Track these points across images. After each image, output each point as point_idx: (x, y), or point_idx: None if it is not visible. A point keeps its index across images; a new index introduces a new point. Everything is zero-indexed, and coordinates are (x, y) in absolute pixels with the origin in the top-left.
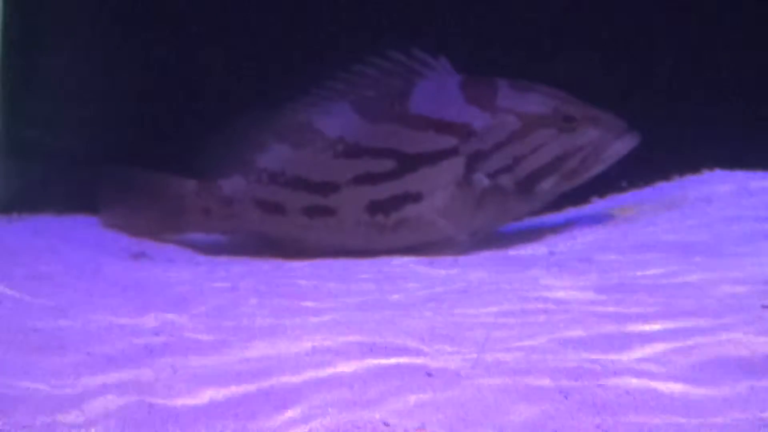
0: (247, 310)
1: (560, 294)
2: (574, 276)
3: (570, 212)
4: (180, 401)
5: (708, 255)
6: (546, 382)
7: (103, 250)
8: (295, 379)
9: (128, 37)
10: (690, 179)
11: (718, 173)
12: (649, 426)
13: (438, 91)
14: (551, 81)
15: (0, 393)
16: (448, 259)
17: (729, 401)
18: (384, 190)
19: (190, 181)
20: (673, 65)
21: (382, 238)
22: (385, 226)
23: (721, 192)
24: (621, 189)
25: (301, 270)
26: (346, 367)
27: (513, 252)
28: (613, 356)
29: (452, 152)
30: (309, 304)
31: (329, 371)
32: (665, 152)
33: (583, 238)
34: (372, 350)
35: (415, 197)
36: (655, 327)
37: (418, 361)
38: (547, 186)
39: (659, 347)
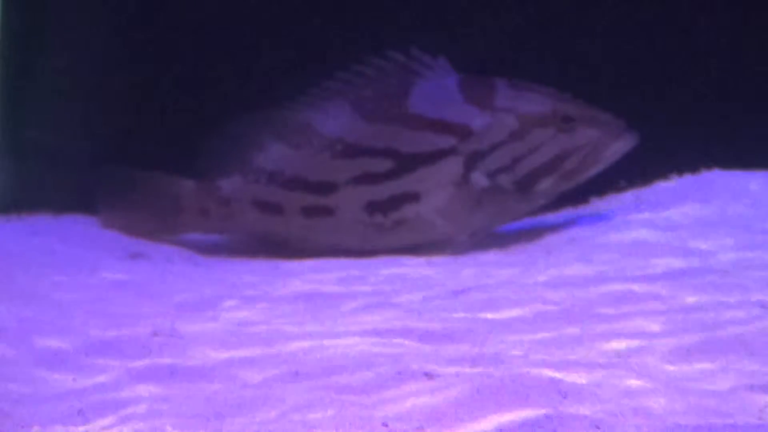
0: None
1: (559, 294)
2: (573, 276)
3: (568, 212)
4: None
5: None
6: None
7: (102, 250)
8: None
9: (128, 37)
10: (688, 179)
11: (717, 173)
12: None
13: (436, 91)
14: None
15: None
16: (447, 258)
17: None
18: (382, 190)
19: (189, 182)
20: (675, 65)
21: (380, 238)
22: (383, 226)
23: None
24: (619, 189)
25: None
26: None
27: (511, 252)
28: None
29: (451, 152)
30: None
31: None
32: (664, 152)
33: (581, 238)
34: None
35: (414, 197)
36: (655, 328)
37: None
38: (546, 186)
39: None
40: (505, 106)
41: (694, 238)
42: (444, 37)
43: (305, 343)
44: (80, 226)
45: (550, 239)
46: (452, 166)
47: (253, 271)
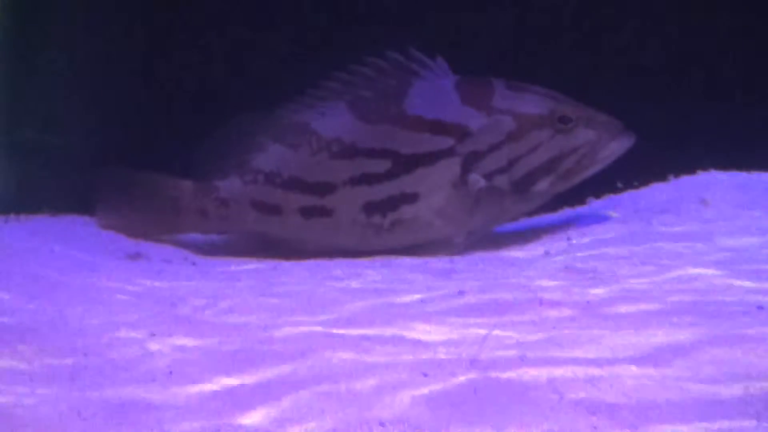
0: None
1: (556, 295)
2: (570, 277)
3: (566, 213)
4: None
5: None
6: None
7: (100, 251)
8: None
9: (127, 37)
10: (685, 180)
11: (714, 174)
12: None
13: (434, 91)
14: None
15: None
16: (444, 259)
17: None
18: (380, 191)
19: (187, 182)
20: (670, 64)
21: (378, 239)
22: (381, 227)
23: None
24: (617, 189)
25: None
26: None
27: (509, 253)
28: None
29: (448, 153)
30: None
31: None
32: (661, 153)
33: (578, 239)
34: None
35: (412, 198)
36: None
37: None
38: (543, 186)
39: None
40: (503, 106)
41: (694, 238)
42: (443, 37)
43: (303, 344)
44: (79, 227)
45: (547, 240)
46: (450, 167)
47: (251, 272)
